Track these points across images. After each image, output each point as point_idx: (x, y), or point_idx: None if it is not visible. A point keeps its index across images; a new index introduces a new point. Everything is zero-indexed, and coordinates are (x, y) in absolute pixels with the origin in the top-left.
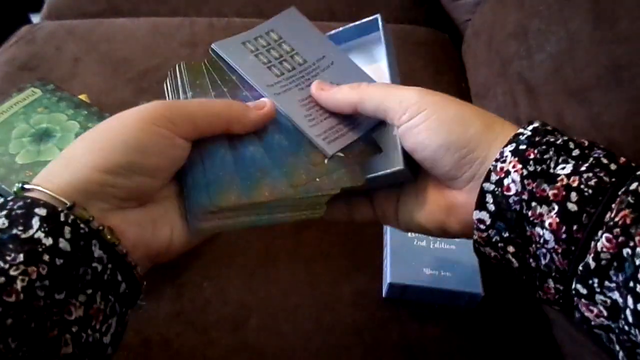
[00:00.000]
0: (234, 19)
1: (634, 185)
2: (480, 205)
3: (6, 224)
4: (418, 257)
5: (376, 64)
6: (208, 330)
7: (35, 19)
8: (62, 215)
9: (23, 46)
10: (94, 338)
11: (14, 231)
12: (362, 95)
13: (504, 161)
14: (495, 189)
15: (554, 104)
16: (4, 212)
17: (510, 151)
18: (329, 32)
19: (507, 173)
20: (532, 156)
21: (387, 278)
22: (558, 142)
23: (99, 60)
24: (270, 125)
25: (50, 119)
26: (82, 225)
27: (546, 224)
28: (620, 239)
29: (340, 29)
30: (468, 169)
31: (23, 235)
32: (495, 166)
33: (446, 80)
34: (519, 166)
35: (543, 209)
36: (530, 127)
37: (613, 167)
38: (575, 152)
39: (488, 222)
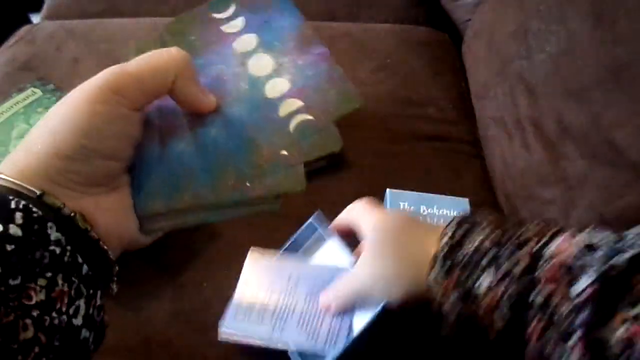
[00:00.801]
0: None
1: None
2: None
3: None
4: None
5: (332, 254)
6: (208, 330)
7: (35, 19)
8: (12, 202)
9: (23, 46)
10: (60, 321)
11: None
12: (336, 295)
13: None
14: None
15: (554, 104)
16: None
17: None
18: (286, 244)
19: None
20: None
21: None
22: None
23: (99, 60)
24: (209, 118)
25: None
26: (34, 209)
27: None
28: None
29: (291, 239)
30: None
31: None
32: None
33: (446, 80)
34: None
35: None
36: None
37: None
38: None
39: None
